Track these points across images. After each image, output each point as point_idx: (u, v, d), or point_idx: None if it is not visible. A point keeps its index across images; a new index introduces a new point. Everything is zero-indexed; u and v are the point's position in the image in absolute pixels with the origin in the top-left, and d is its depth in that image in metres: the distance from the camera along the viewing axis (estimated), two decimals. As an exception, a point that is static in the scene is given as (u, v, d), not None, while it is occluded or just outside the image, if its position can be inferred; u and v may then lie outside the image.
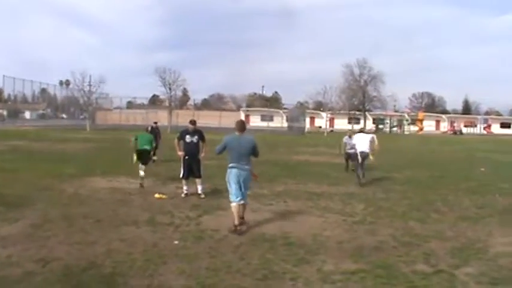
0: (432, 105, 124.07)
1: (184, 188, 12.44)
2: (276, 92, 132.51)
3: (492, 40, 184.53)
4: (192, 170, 12.36)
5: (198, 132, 12.58)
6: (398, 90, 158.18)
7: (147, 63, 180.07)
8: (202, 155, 12.57)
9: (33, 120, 78.62)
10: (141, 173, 13.76)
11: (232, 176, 8.95)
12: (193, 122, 12.75)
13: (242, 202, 9.01)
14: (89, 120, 60.24)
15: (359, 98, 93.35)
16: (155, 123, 22.55)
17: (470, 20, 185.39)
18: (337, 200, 12.43)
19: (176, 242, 7.94)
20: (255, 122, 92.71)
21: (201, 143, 12.54)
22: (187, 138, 12.41)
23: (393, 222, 9.91)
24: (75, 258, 6.92)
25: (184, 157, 12.39)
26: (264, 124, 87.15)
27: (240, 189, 8.96)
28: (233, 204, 8.90)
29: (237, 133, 9.12)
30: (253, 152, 9.17)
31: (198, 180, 12.43)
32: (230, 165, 8.99)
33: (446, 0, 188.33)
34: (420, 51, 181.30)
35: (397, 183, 15.83)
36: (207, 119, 77.82)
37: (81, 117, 77.00)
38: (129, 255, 7.13)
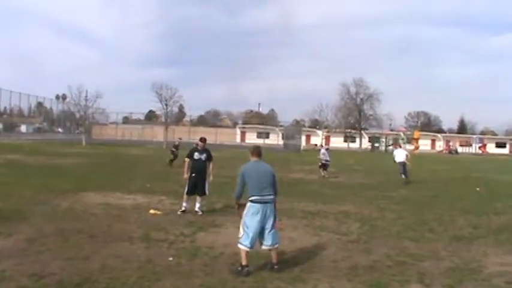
0: (428, 125, 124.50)
1: (184, 204, 12.39)
2: (272, 110, 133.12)
3: (488, 60, 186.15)
4: (197, 187, 12.37)
5: (207, 151, 12.66)
6: (394, 109, 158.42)
7: (144, 78, 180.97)
8: (211, 178, 12.63)
9: (29, 134, 78.52)
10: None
11: (252, 213, 7.56)
12: (203, 140, 12.84)
13: (275, 246, 7.65)
14: (85, 135, 60.15)
15: (355, 116, 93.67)
16: (180, 139, 24.83)
17: (466, 40, 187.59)
18: (332, 218, 12.42)
19: (171, 259, 7.92)
20: (251, 139, 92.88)
21: (208, 163, 12.56)
22: (196, 155, 12.48)
23: (388, 242, 9.91)
24: (69, 273, 6.88)
25: (191, 174, 12.40)
26: (260, 141, 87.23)
27: (262, 231, 7.57)
28: (243, 248, 7.47)
29: (254, 159, 8.03)
30: (274, 183, 7.89)
31: (198, 198, 12.42)
32: (251, 198, 7.62)
33: (443, 20, 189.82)
34: (416, 71, 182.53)
35: (392, 203, 15.83)
36: (203, 136, 77.97)
37: (77, 131, 76.91)
38: (123, 272, 7.10)
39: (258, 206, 7.54)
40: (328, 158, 25.49)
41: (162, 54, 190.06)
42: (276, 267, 7.51)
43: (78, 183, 17.46)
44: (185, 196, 12.43)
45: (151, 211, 12.19)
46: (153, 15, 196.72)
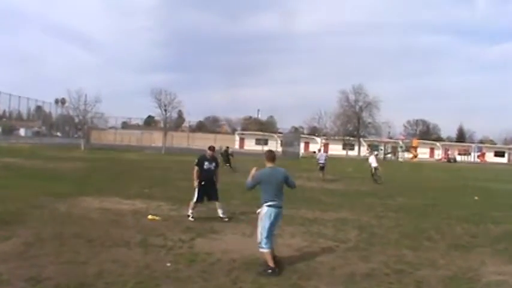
0: (427, 133, 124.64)
1: (190, 211, 12.35)
2: (271, 116, 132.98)
3: (487, 69, 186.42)
4: (210, 194, 12.41)
5: (215, 159, 12.76)
6: (393, 117, 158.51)
7: (143, 84, 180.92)
8: (218, 185, 12.69)
9: (27, 138, 78.50)
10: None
11: (270, 217, 7.96)
12: (212, 149, 12.88)
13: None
14: (84, 139, 60.21)
15: (354, 124, 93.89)
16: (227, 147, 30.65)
17: (466, 48, 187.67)
18: (330, 226, 12.42)
19: (169, 265, 7.91)
20: (250, 145, 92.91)
21: (216, 170, 12.64)
22: (206, 164, 12.47)
23: (386, 250, 9.90)
24: (66, 278, 6.87)
25: (200, 183, 12.39)
26: (259, 148, 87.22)
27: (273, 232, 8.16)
28: (266, 251, 7.90)
29: (269, 165, 8.35)
30: (288, 182, 8.41)
31: (218, 204, 12.45)
32: (268, 203, 7.99)
33: (442, 29, 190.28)
34: (415, 79, 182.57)
35: (391, 210, 15.83)
36: (201, 142, 77.92)
37: (76, 136, 76.94)
38: (120, 277, 7.10)
39: (273, 210, 7.97)
40: (322, 161, 29.07)
41: (162, 59, 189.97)
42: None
43: (77, 187, 17.45)
44: (193, 204, 12.38)
45: (150, 216, 12.17)
46: (154, 20, 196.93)
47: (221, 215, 12.33)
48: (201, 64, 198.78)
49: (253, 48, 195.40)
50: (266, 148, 78.49)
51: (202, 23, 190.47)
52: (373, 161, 28.73)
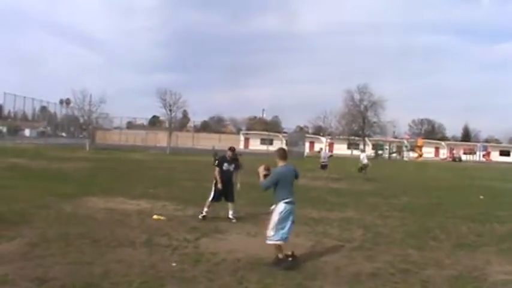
0: (432, 132, 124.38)
1: (205, 209, 12.36)
2: (276, 116, 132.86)
3: (491, 68, 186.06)
4: (226, 194, 12.41)
5: (236, 160, 12.70)
6: (398, 117, 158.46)
7: (148, 84, 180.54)
8: (238, 186, 12.71)
9: (32, 138, 78.62)
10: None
11: (289, 213, 8.31)
12: (232, 150, 12.87)
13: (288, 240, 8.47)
14: (89, 140, 60.28)
15: (359, 123, 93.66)
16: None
17: (471, 47, 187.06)
18: (335, 225, 12.40)
19: (174, 264, 7.91)
20: (255, 145, 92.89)
21: (235, 172, 12.64)
22: (225, 166, 12.48)
23: (391, 249, 9.88)
24: (71, 278, 6.88)
25: (218, 184, 12.42)
26: (264, 148, 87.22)
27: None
28: (276, 243, 8.26)
29: (282, 163, 8.62)
30: (297, 177, 8.88)
31: (230, 205, 12.44)
32: (286, 200, 8.30)
33: (447, 28, 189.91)
34: (420, 78, 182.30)
35: (396, 210, 15.80)
36: (206, 142, 77.97)
37: (81, 136, 77.05)
38: (126, 277, 7.10)
39: (290, 206, 8.31)
40: (324, 160, 29.57)
41: (166, 59, 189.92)
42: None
43: (82, 187, 17.49)
44: (208, 202, 12.40)
45: (155, 216, 12.19)
46: (158, 20, 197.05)
47: (230, 216, 12.31)
48: (205, 64, 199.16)
49: (257, 48, 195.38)
50: (271, 148, 78.58)
51: (206, 22, 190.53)
52: (364, 159, 31.06)
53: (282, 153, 8.76)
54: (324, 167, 29.19)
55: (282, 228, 8.22)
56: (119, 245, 9.08)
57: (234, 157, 12.77)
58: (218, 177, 12.43)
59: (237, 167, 12.68)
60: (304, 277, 7.60)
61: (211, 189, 12.54)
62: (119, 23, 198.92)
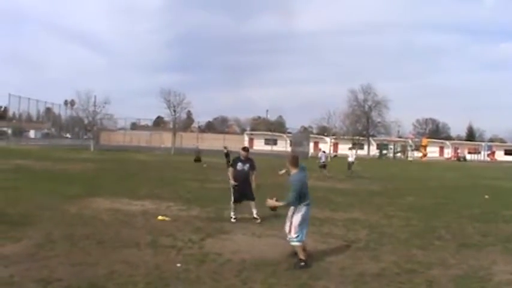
0: (436, 132, 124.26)
1: (232, 213, 12.39)
2: (280, 116, 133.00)
3: (496, 67, 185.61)
4: (246, 194, 12.36)
5: (250, 160, 12.62)
6: (402, 116, 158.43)
7: (152, 84, 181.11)
8: (253, 185, 12.58)
9: (37, 139, 78.94)
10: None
11: (305, 214, 8.46)
12: (246, 149, 12.84)
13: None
14: (93, 141, 60.40)
15: (363, 123, 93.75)
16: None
17: (475, 46, 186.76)
18: (340, 225, 12.39)
19: (179, 265, 7.91)
20: (259, 145, 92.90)
21: (251, 172, 12.54)
22: (239, 165, 12.45)
23: (396, 249, 9.87)
24: (76, 279, 6.90)
25: (234, 183, 12.43)
26: (268, 148, 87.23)
27: None
28: (300, 245, 8.38)
29: (295, 170, 8.76)
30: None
31: (252, 203, 12.42)
32: (305, 203, 8.48)
33: (451, 27, 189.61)
34: (424, 77, 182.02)
35: (400, 210, 15.77)
36: (210, 142, 78.00)
37: (85, 137, 77.09)
38: (131, 278, 7.11)
39: (308, 208, 8.53)
40: (322, 160, 31.89)
41: (170, 60, 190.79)
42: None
43: (87, 188, 17.52)
44: (232, 205, 12.44)
45: (160, 217, 12.19)
46: (162, 21, 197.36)
47: (254, 215, 12.32)
48: (209, 65, 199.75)
49: (260, 49, 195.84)
50: (276, 148, 78.62)
51: (210, 23, 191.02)
52: (351, 157, 33.91)
53: (296, 161, 8.91)
54: (323, 166, 31.33)
55: (303, 230, 8.44)
56: (124, 246, 9.09)
57: (249, 157, 12.68)
58: (231, 177, 12.46)
59: (252, 167, 12.59)
60: (309, 277, 7.59)
61: (230, 192, 12.57)
62: (123, 24, 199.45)
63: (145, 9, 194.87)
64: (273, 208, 8.92)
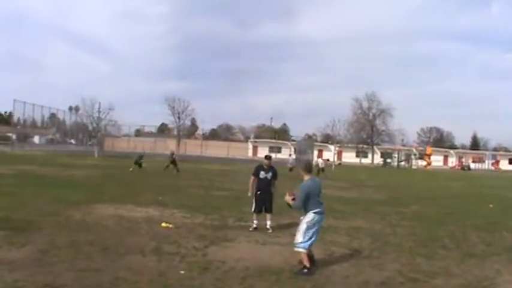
0: (440, 140, 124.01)
1: (255, 222, 12.31)
2: (284, 124, 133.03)
3: (501, 77, 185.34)
4: (265, 205, 12.28)
5: (272, 168, 12.52)
6: (406, 125, 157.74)
7: (156, 91, 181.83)
8: (275, 195, 12.44)
9: (41, 145, 79.10)
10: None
11: (318, 222, 8.56)
12: (268, 158, 12.80)
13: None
14: (97, 147, 60.58)
15: (367, 131, 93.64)
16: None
17: (479, 56, 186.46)
18: (343, 234, 12.38)
19: (182, 272, 7.92)
20: (263, 153, 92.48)
21: (273, 181, 12.44)
22: (262, 174, 12.37)
23: (400, 258, 9.85)
24: (81, 285, 6.92)
25: (257, 192, 12.34)
26: (272, 156, 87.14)
27: None
28: (305, 251, 8.37)
29: (308, 176, 8.82)
30: (320, 190, 8.96)
31: (268, 215, 12.33)
32: (316, 210, 8.52)
33: (455, 36, 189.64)
34: (429, 86, 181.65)
35: (405, 219, 15.75)
36: (215, 150, 78.10)
37: (90, 143, 77.38)
38: (134, 284, 7.12)
39: (319, 216, 8.53)
40: (290, 163, 40.99)
41: (174, 67, 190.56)
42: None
43: (91, 195, 17.55)
44: (254, 215, 12.37)
45: (163, 224, 12.20)
46: (167, 28, 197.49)
47: (268, 226, 12.23)
48: (214, 72, 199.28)
49: (265, 56, 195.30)
50: (280, 156, 78.59)
51: (214, 30, 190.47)
52: (320, 164, 40.74)
53: (309, 168, 9.05)
54: (290, 169, 36.82)
55: (309, 237, 8.41)
56: (128, 253, 9.10)
57: (271, 166, 12.58)
58: (250, 186, 12.42)
59: (275, 175, 12.48)
60: (312, 286, 7.59)
61: (252, 201, 12.50)
62: (128, 31, 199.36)
63: (150, 16, 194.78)
64: (288, 204, 8.95)
